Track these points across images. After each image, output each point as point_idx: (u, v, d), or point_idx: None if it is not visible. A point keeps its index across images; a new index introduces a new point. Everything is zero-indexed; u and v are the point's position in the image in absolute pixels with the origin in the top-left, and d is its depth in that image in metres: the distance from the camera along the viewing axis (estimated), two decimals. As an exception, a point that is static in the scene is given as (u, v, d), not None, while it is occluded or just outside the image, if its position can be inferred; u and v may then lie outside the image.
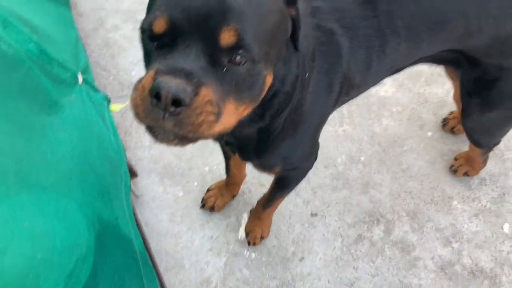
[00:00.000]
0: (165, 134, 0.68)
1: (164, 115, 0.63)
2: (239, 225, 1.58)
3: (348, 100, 1.17)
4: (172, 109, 0.63)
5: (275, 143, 1.01)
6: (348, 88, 1.07)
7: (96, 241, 1.00)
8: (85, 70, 1.61)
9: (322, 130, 1.15)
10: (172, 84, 0.62)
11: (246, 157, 1.09)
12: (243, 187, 1.63)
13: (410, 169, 1.64)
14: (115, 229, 1.15)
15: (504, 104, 1.17)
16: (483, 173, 1.60)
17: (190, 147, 1.64)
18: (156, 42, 0.69)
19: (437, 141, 1.69)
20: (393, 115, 1.76)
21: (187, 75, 0.64)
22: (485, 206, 1.56)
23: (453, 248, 1.49)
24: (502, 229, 1.51)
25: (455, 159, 1.61)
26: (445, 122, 1.69)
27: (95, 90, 1.52)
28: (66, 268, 0.91)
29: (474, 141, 1.40)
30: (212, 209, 1.59)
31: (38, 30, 1.40)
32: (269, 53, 0.73)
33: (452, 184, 1.60)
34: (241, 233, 1.56)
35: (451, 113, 1.70)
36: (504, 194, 1.57)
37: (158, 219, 1.59)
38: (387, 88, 1.83)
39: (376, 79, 1.15)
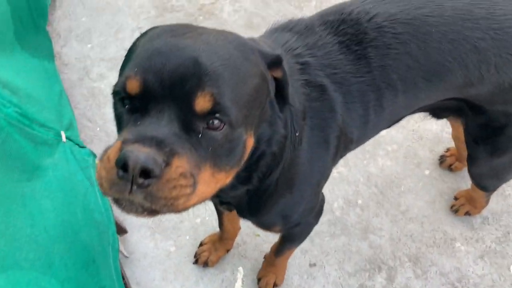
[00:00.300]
0: (133, 207, 0.61)
1: (132, 187, 0.57)
2: (235, 280, 1.50)
3: (348, 152, 1.13)
4: (140, 181, 0.57)
5: (269, 203, 0.96)
6: (346, 143, 1.03)
7: None
8: (69, 126, 1.57)
9: None
10: (141, 154, 0.57)
11: (241, 214, 1.04)
12: (237, 238, 1.56)
13: (409, 211, 1.59)
14: None
15: None
16: (485, 211, 1.55)
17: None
18: (128, 106, 0.65)
19: (435, 179, 1.64)
20: (388, 154, 1.71)
21: (158, 143, 0.59)
22: (489, 247, 1.50)
23: (458, 292, 1.43)
24: (510, 270, 1.45)
25: (455, 198, 1.56)
26: (442, 159, 1.65)
27: (80, 146, 1.48)
28: None
29: (481, 186, 1.35)
30: (206, 264, 1.52)
31: (19, 90, 1.37)
32: (248, 116, 0.69)
33: (454, 225, 1.55)
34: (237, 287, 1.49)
35: (448, 150, 1.66)
36: (508, 233, 1.52)
37: (150, 277, 1.51)
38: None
39: (375, 132, 1.11)
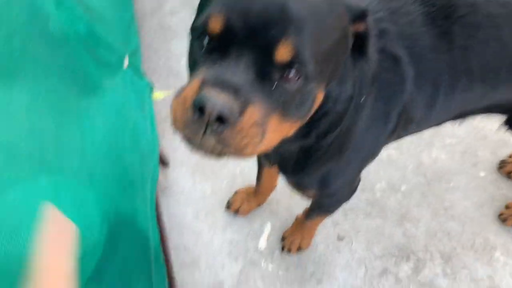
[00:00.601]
0: (202, 148, 0.62)
1: (206, 130, 0.58)
2: (261, 234, 1.53)
3: (405, 135, 1.08)
4: (215, 126, 0.57)
5: (316, 164, 0.94)
6: (406, 122, 0.97)
7: (108, 236, 0.99)
8: (134, 53, 1.60)
9: None
10: (219, 100, 0.56)
11: (283, 170, 1.03)
12: (272, 196, 1.57)
13: (453, 208, 1.51)
14: (132, 224, 1.13)
15: None
16: (535, 227, 1.45)
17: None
18: (206, 45, 0.63)
19: (489, 183, 1.54)
20: (445, 146, 1.62)
21: (236, 91, 0.58)
22: (531, 264, 1.41)
23: (487, 303, 1.37)
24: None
25: (507, 207, 1.47)
26: (502, 164, 1.54)
27: (140, 76, 1.51)
28: (98, 242, 0.91)
29: None
30: (236, 212, 1.55)
31: (92, 9, 1.40)
32: (324, 71, 0.66)
33: (498, 233, 1.46)
34: (262, 242, 1.51)
35: (511, 156, 1.54)
36: (556, 255, 1.42)
37: (182, 213, 1.57)
38: (444, 115, 1.69)
39: (439, 119, 1.04)
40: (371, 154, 1.02)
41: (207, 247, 1.52)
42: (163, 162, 1.60)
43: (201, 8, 0.68)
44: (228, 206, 1.57)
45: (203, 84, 0.59)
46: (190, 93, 0.60)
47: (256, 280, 1.45)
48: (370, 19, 0.71)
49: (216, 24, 0.60)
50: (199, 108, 0.57)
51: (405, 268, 1.44)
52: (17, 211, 0.86)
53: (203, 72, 0.62)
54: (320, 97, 0.70)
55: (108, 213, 1.05)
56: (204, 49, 0.64)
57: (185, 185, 1.63)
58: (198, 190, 1.62)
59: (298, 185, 1.05)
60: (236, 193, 1.57)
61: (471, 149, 1.61)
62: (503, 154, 1.58)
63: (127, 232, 1.14)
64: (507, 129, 1.14)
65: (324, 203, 1.18)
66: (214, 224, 1.56)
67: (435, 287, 1.40)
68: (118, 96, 1.33)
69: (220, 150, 0.61)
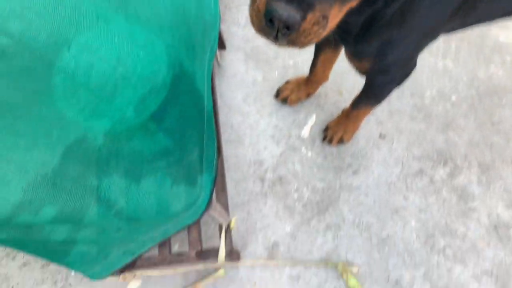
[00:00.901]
0: (277, 44, 0.74)
1: (277, 34, 0.70)
2: (305, 124, 1.59)
3: (463, 26, 1.07)
4: (284, 31, 0.68)
5: (378, 31, 0.96)
6: (470, 5, 0.97)
7: (172, 81, 1.06)
8: None
9: (421, 58, 1.08)
10: (284, 13, 0.66)
11: (345, 41, 1.06)
12: (321, 90, 1.62)
13: (501, 123, 1.51)
14: (191, 80, 1.21)
15: None
16: None
17: (276, 49, 1.63)
18: None
19: (544, 103, 1.52)
20: (504, 64, 1.59)
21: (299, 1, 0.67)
22: None
23: (516, 212, 1.41)
24: None
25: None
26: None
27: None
28: (140, 91, 0.98)
29: None
30: (284, 101, 1.61)
31: None
32: None
33: (542, 152, 1.47)
34: (305, 131, 1.57)
35: None
36: None
37: (233, 95, 1.64)
38: (509, 33, 1.63)
39: (502, 9, 1.03)
40: (432, 30, 1.02)
41: (252, 128, 1.60)
42: (221, 44, 1.65)
43: None
44: (277, 94, 1.62)
45: None
46: (261, 4, 0.69)
47: (294, 163, 1.54)
48: None
49: None
50: (270, 19, 0.67)
51: (441, 172, 1.48)
52: (97, 34, 0.94)
53: None
54: None
55: (174, 64, 1.12)
56: None
57: (238, 69, 1.69)
58: (250, 76, 1.68)
59: (357, 54, 1.07)
60: (287, 82, 1.62)
61: (532, 68, 1.57)
62: None
63: (187, 87, 1.21)
64: None
65: (375, 84, 1.20)
66: (262, 109, 1.63)
67: (467, 193, 1.44)
68: None
69: (291, 45, 0.72)
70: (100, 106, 0.89)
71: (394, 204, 1.45)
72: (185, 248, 1.38)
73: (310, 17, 0.67)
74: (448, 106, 1.55)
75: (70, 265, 1.11)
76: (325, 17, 0.69)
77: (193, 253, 1.25)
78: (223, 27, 1.71)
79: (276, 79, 1.66)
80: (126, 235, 1.10)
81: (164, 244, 1.27)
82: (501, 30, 1.62)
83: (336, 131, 1.51)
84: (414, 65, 1.14)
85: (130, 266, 1.25)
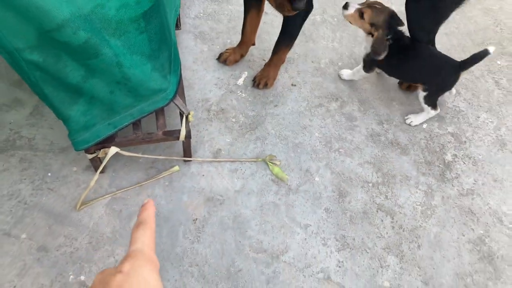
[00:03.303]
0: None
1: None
2: (240, 77, 2.18)
3: None
4: None
5: None
6: None
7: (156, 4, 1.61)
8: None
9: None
10: None
11: None
12: (249, 58, 2.25)
13: (372, 78, 2.23)
14: (165, 14, 1.76)
15: None
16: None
17: (220, 27, 2.24)
18: None
19: (396, 66, 2.29)
20: (371, 45, 2.36)
21: None
22: (414, 110, 2.12)
23: (383, 126, 2.05)
24: (422, 126, 2.07)
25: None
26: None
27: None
28: None
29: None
30: (224, 62, 2.21)
31: None
32: None
33: (396, 91, 2.19)
34: (240, 81, 2.16)
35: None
36: (432, 108, 2.14)
37: (185, 58, 2.21)
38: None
39: None
40: None
41: (200, 79, 2.15)
42: (177, 25, 2.25)
43: None
44: (219, 57, 2.22)
45: None
46: None
47: (232, 100, 2.09)
48: None
49: None
50: None
51: (334, 105, 2.12)
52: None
53: None
54: None
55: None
56: None
57: (189, 43, 2.29)
58: (198, 48, 2.28)
59: None
60: (226, 49, 2.24)
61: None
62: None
63: (164, 14, 1.74)
64: None
65: (289, 20, 1.82)
66: (207, 67, 2.20)
67: (352, 115, 2.08)
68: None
69: None
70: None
71: (303, 124, 2.03)
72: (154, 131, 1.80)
73: None
74: (336, 68, 2.25)
75: (70, 120, 1.51)
76: None
77: (160, 133, 1.70)
78: (181, 12, 2.33)
79: (218, 50, 2.27)
80: (116, 99, 1.54)
81: (137, 126, 1.70)
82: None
83: (262, 78, 2.12)
84: (311, 6, 1.82)
85: (110, 141, 1.65)
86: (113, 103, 1.57)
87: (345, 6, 1.89)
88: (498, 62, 2.36)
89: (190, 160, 1.86)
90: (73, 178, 1.79)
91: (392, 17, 1.85)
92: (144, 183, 1.78)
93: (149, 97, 1.66)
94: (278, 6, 1.49)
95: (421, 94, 1.96)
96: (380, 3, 1.88)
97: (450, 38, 2.46)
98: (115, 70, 1.45)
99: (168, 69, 1.71)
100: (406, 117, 2.06)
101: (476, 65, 1.89)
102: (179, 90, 1.78)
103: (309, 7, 1.82)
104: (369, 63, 2.01)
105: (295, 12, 1.42)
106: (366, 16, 1.84)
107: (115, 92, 1.54)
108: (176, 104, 1.73)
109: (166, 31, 1.72)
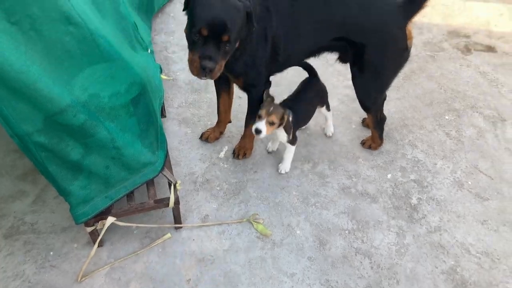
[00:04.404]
0: (202, 78, 1.77)
1: (205, 74, 1.72)
2: (221, 151, 2.45)
3: (282, 64, 2.14)
4: (208, 72, 1.72)
5: (240, 61, 1.94)
6: (278, 45, 1.98)
7: (143, 87, 1.90)
8: (152, 51, 2.69)
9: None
10: (208, 64, 1.70)
11: (230, 71, 2.01)
12: (228, 134, 2.54)
13: (337, 139, 2.51)
14: (151, 100, 2.06)
15: None
16: (380, 148, 2.45)
17: (201, 112, 2.55)
18: (197, 38, 1.71)
19: (361, 130, 2.58)
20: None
21: (214, 58, 1.70)
22: (378, 164, 2.37)
23: (352, 180, 2.29)
24: (387, 176, 2.30)
25: (362, 143, 2.48)
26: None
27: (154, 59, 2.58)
28: (128, 80, 1.81)
29: (363, 106, 2.29)
30: (206, 139, 2.49)
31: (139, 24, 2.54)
32: (238, 36, 1.76)
33: (360, 149, 2.45)
34: (221, 154, 2.42)
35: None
36: (392, 161, 2.39)
37: (171, 141, 2.49)
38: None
39: (297, 48, 2.07)
40: (264, 62, 2.01)
41: (185, 157, 2.41)
42: (162, 113, 2.56)
43: (191, 19, 1.75)
44: (201, 136, 2.50)
45: (200, 57, 1.70)
46: (196, 62, 1.72)
47: (216, 171, 2.33)
48: (251, 11, 1.77)
49: (203, 31, 1.69)
50: (203, 68, 1.69)
51: (307, 166, 2.36)
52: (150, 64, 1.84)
53: (197, 50, 1.72)
54: (237, 44, 1.80)
55: (144, 82, 1.99)
56: (196, 39, 1.72)
57: (174, 128, 2.58)
58: (183, 131, 2.57)
59: (235, 75, 2.03)
60: (206, 129, 2.53)
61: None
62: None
63: (149, 100, 2.04)
64: (339, 62, 2.23)
65: (251, 95, 2.13)
66: (191, 146, 2.47)
67: (323, 174, 2.32)
68: (146, 58, 2.37)
69: (210, 78, 1.76)
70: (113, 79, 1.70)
71: (281, 185, 2.25)
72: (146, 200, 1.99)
73: (218, 66, 1.72)
74: (305, 135, 2.54)
75: (71, 195, 1.72)
76: (221, 65, 1.74)
77: (152, 201, 1.90)
78: (166, 105, 2.66)
79: (200, 131, 2.56)
80: (111, 174, 1.77)
81: (131, 197, 1.91)
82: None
83: (240, 149, 2.39)
84: (268, 83, 2.15)
85: (107, 213, 1.84)
86: (109, 177, 1.79)
87: (258, 131, 2.08)
88: (446, 117, 2.69)
89: (181, 227, 2.04)
90: (74, 254, 1.94)
91: (285, 101, 2.24)
92: (139, 251, 1.94)
93: (141, 170, 1.89)
94: (193, 68, 1.81)
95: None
96: (269, 102, 2.13)
97: (402, 102, 2.81)
98: (110, 147, 1.70)
99: (156, 146, 1.97)
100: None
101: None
102: (166, 163, 2.02)
103: (265, 85, 2.16)
104: (293, 137, 2.25)
105: (207, 76, 1.77)
106: (275, 122, 2.08)
107: (110, 167, 1.77)
108: (164, 175, 1.96)
109: (152, 114, 2.01)
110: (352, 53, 2.08)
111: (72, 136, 1.61)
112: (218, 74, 1.80)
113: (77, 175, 1.72)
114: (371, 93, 2.21)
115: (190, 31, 1.74)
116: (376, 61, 2.04)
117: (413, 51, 2.26)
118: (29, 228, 2.04)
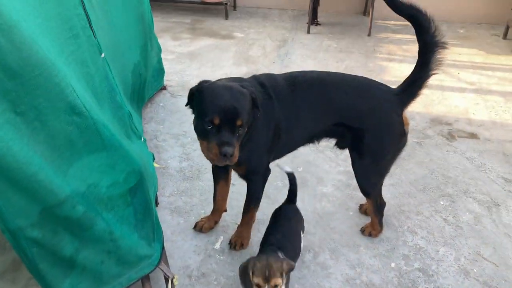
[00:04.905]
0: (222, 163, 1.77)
1: (225, 160, 1.72)
2: (216, 242, 2.33)
3: (282, 149, 2.15)
4: (228, 158, 1.71)
5: (244, 149, 1.94)
6: (279, 131, 2.02)
7: (140, 177, 1.85)
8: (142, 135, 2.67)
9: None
10: (228, 149, 1.71)
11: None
12: (223, 223, 2.44)
13: (336, 227, 2.44)
14: (148, 191, 1.99)
15: None
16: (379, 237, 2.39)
17: (194, 200, 2.47)
18: (211, 127, 1.75)
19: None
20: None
21: (230, 143, 1.72)
22: (380, 252, 2.29)
23: (356, 270, 2.18)
24: (390, 265, 2.21)
25: (362, 230, 2.43)
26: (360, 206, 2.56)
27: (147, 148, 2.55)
28: (127, 169, 1.76)
29: (363, 191, 2.27)
30: (200, 230, 2.38)
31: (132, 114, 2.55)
32: (248, 119, 1.80)
33: (360, 237, 2.38)
34: (217, 245, 2.30)
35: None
36: (394, 248, 2.32)
37: (164, 232, 2.34)
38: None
39: (298, 133, 2.12)
40: (265, 148, 2.02)
41: (179, 248, 2.28)
42: (156, 202, 2.47)
43: (203, 111, 1.77)
44: (195, 226, 2.40)
45: (218, 144, 1.72)
46: (214, 147, 1.73)
47: (212, 263, 2.20)
48: (256, 97, 1.84)
49: (216, 120, 1.73)
50: (223, 154, 1.70)
51: (308, 256, 2.26)
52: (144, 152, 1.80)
53: (214, 138, 1.74)
54: (247, 127, 1.83)
55: (141, 170, 1.93)
56: (210, 128, 1.75)
57: (166, 218, 2.47)
58: (175, 221, 2.46)
59: (238, 163, 2.00)
60: (200, 219, 2.43)
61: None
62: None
63: (146, 192, 1.97)
64: (337, 148, 2.24)
65: (251, 183, 2.10)
66: (185, 237, 2.35)
67: (326, 264, 2.21)
68: (141, 146, 2.34)
69: (229, 163, 1.75)
70: (113, 168, 1.67)
71: (282, 277, 2.12)
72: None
73: (235, 150, 1.72)
74: (305, 223, 2.47)
75: (60, 297, 1.57)
76: (237, 149, 1.75)
77: (147, 300, 1.74)
78: (159, 194, 2.57)
79: (193, 220, 2.46)
80: (106, 269, 1.64)
81: (126, 295, 1.74)
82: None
83: (237, 239, 2.28)
84: (268, 171, 2.13)
85: (100, 315, 1.66)
86: (103, 273, 1.66)
87: None
88: (441, 203, 2.69)
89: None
90: None
91: (268, 242, 2.03)
92: None
93: (137, 264, 1.76)
94: (212, 156, 1.78)
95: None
96: (259, 266, 1.77)
97: (396, 188, 2.81)
98: (107, 239, 1.60)
99: (152, 237, 1.87)
100: None
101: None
102: (162, 256, 1.90)
103: (266, 172, 2.14)
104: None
105: (227, 161, 1.75)
106: (280, 282, 1.73)
107: (105, 262, 1.64)
108: (161, 269, 1.83)
109: (149, 203, 1.93)
110: (351, 139, 2.11)
111: (68, 229, 1.50)
112: (237, 158, 1.78)
113: (68, 273, 1.58)
114: (370, 177, 2.21)
115: (202, 121, 1.75)
116: (376, 146, 2.06)
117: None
118: (4, 335, 1.82)
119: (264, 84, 2.01)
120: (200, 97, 1.78)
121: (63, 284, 1.57)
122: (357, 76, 2.16)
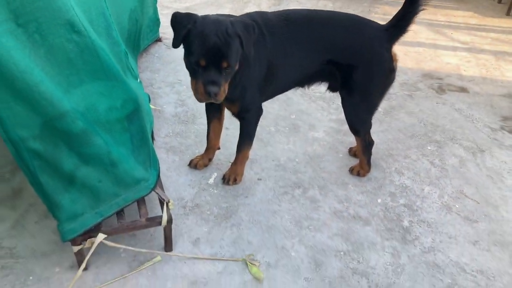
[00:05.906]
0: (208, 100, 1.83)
1: (211, 98, 1.78)
2: (210, 177, 2.41)
3: (275, 89, 2.21)
4: (213, 96, 1.78)
5: (238, 87, 2.01)
6: (272, 68, 2.08)
7: (137, 104, 1.89)
8: (140, 82, 2.71)
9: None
10: (213, 89, 1.77)
11: (226, 96, 2.05)
12: (217, 161, 2.52)
13: (325, 171, 2.53)
14: (145, 125, 2.04)
15: None
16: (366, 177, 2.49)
17: (188, 141, 2.47)
18: (197, 67, 1.79)
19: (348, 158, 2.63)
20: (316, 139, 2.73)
21: (217, 83, 1.78)
22: (368, 189, 2.39)
23: (344, 205, 2.28)
24: (377, 201, 2.31)
25: (350, 169, 2.51)
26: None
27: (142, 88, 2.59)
28: (124, 96, 1.80)
29: (353, 130, 2.35)
30: (195, 166, 2.46)
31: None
32: (236, 61, 1.84)
33: (349, 176, 2.47)
34: (211, 180, 2.38)
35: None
36: (380, 186, 2.42)
37: (161, 167, 2.43)
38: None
39: (290, 71, 2.17)
40: (258, 85, 2.08)
41: (174, 182, 2.36)
42: (152, 138, 2.53)
43: (189, 49, 1.82)
44: (190, 163, 2.47)
45: (204, 83, 1.78)
46: (200, 86, 1.80)
47: (206, 196, 2.28)
48: (242, 35, 1.86)
49: (202, 62, 1.77)
50: (208, 93, 1.77)
51: (297, 191, 2.35)
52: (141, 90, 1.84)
53: (201, 77, 1.80)
54: (237, 66, 1.87)
55: (138, 102, 1.99)
56: (197, 68, 1.80)
57: (162, 156, 2.54)
58: (170, 159, 2.54)
59: (230, 100, 2.07)
60: (196, 156, 2.50)
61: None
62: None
63: (142, 122, 2.02)
64: (329, 92, 2.31)
65: (244, 121, 2.17)
66: (180, 173, 2.43)
67: (315, 198, 2.30)
68: (138, 85, 2.38)
69: (216, 101, 1.83)
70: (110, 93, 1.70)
71: (273, 209, 2.22)
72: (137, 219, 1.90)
73: (222, 89, 1.78)
74: (294, 163, 2.55)
75: (61, 208, 1.64)
76: (225, 88, 1.80)
77: (143, 220, 1.83)
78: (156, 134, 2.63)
79: (188, 158, 2.54)
80: (103, 188, 1.71)
81: (121, 216, 1.82)
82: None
83: (231, 175, 2.36)
84: (261, 110, 2.19)
85: (96, 231, 1.74)
86: (101, 192, 1.73)
87: None
88: (429, 148, 2.78)
89: (171, 251, 1.95)
90: (56, 278, 1.81)
91: None
92: (127, 274, 1.83)
93: (133, 186, 1.83)
94: (199, 95, 1.87)
95: None
96: None
97: (385, 134, 2.89)
98: (105, 158, 1.66)
99: (148, 163, 1.93)
100: None
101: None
102: (158, 182, 1.98)
103: (259, 110, 2.21)
104: None
105: (213, 100, 1.84)
106: None
107: (103, 181, 1.71)
108: (157, 193, 1.90)
109: (145, 133, 1.99)
110: (340, 77, 2.17)
111: (68, 144, 1.56)
112: (224, 96, 1.86)
113: (69, 188, 1.65)
114: (360, 114, 2.28)
115: (189, 61, 1.81)
116: (365, 82, 2.13)
117: (391, 90, 2.38)
118: (7, 253, 1.90)
119: (256, 21, 2.03)
120: (188, 37, 1.81)
121: (64, 199, 1.64)
122: (348, 13, 2.21)
